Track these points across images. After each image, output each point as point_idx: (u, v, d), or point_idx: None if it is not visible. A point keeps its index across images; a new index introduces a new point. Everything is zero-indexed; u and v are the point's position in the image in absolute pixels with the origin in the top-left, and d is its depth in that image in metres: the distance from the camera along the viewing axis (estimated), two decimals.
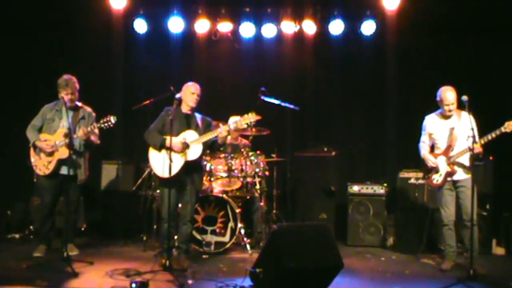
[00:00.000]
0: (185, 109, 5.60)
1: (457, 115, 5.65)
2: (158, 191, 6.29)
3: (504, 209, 6.70)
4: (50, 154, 5.80)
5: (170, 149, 5.30)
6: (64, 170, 5.76)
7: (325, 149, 7.28)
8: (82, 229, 7.18)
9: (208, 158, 6.54)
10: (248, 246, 6.23)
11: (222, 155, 6.56)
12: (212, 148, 5.72)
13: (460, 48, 7.49)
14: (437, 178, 5.70)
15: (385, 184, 7.04)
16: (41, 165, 5.85)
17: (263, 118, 6.79)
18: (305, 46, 7.94)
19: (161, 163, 5.38)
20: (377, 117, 7.92)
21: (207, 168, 6.51)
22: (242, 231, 6.29)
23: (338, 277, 4.62)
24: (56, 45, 7.81)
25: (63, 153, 5.71)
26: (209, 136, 5.42)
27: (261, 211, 6.61)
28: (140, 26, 7.87)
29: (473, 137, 5.24)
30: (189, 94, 5.55)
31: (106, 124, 5.61)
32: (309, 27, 7.80)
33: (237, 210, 6.23)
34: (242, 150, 6.69)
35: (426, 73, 7.58)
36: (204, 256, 6.02)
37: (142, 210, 6.74)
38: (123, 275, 5.06)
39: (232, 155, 6.54)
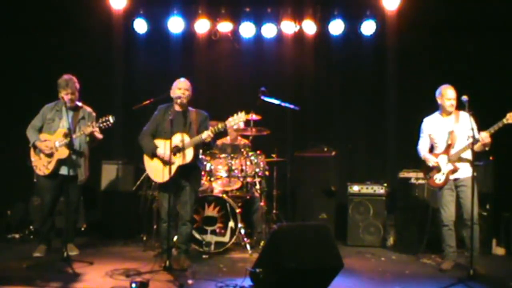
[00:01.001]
0: (178, 107, 5.51)
1: (456, 115, 5.68)
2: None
3: (504, 209, 6.70)
4: (50, 154, 5.80)
5: (160, 157, 5.30)
6: (64, 170, 5.76)
7: (325, 149, 7.29)
8: (82, 229, 7.18)
9: (208, 158, 6.55)
10: (248, 246, 6.23)
11: (222, 155, 6.56)
12: (204, 149, 5.69)
13: (460, 48, 7.49)
14: (439, 178, 5.69)
15: (385, 184, 7.04)
16: (41, 165, 5.85)
17: (263, 118, 6.84)
18: (305, 46, 7.94)
19: (156, 169, 5.39)
20: (377, 117, 7.92)
21: (207, 168, 6.51)
22: (242, 231, 6.28)
23: (338, 277, 4.61)
24: (56, 45, 7.80)
25: (63, 153, 5.71)
26: (197, 140, 5.34)
27: (261, 211, 6.61)
28: (140, 26, 7.88)
29: (473, 137, 5.25)
30: (176, 90, 5.49)
31: (104, 124, 5.60)
32: (309, 27, 7.80)
33: (237, 210, 6.23)
34: (242, 150, 6.69)
35: (426, 73, 7.58)
36: (204, 256, 6.02)
37: (142, 210, 6.75)
38: (123, 275, 5.06)
39: (232, 155, 6.54)
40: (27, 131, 5.92)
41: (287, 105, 6.78)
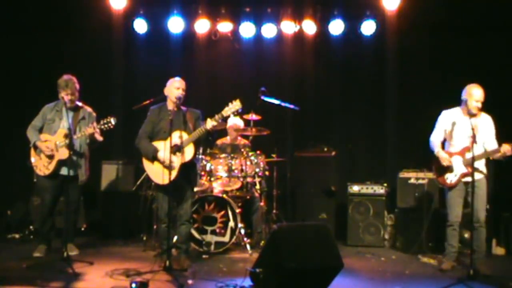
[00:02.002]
0: (171, 106, 5.47)
1: (477, 117, 5.50)
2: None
3: (504, 209, 6.71)
4: (50, 155, 5.79)
5: (170, 152, 5.25)
6: (64, 171, 5.76)
7: (325, 149, 7.29)
8: (82, 229, 7.18)
9: (208, 158, 6.54)
10: (248, 246, 6.23)
11: (222, 155, 6.56)
12: (204, 143, 5.67)
13: (460, 48, 7.49)
14: (451, 178, 5.60)
15: (385, 184, 7.05)
16: (41, 165, 5.85)
17: (263, 118, 6.84)
18: (305, 46, 7.94)
19: (156, 171, 5.35)
20: (377, 117, 7.91)
21: (207, 168, 6.51)
22: (242, 231, 6.28)
23: (338, 277, 4.61)
24: (56, 45, 7.80)
25: (63, 153, 5.70)
26: (196, 136, 5.33)
27: (261, 211, 6.61)
28: (140, 26, 7.87)
29: (473, 137, 5.23)
30: (174, 89, 5.43)
31: (106, 125, 5.60)
32: (309, 27, 7.80)
33: (237, 210, 6.23)
34: (242, 150, 6.69)
35: (426, 73, 7.58)
36: (204, 256, 6.02)
37: (142, 210, 6.75)
38: (123, 275, 5.06)
39: (232, 155, 6.54)
40: (27, 131, 5.91)
41: (287, 105, 6.78)
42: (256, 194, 6.58)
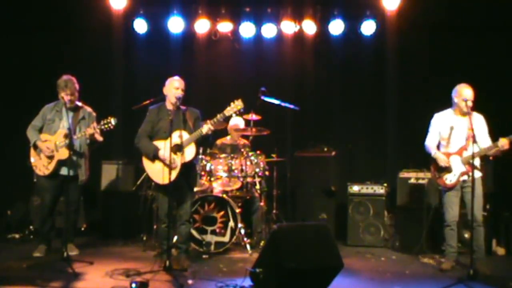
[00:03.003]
0: (170, 105, 5.45)
1: (469, 116, 5.47)
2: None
3: (504, 209, 6.70)
4: (50, 155, 5.79)
5: (161, 159, 5.28)
6: (64, 171, 5.76)
7: (325, 149, 7.29)
8: (82, 229, 7.18)
9: (208, 158, 6.55)
10: (248, 246, 6.23)
11: (222, 155, 6.56)
12: (204, 144, 5.68)
13: (460, 48, 7.49)
14: (450, 179, 5.60)
15: (385, 184, 7.04)
16: (41, 165, 5.85)
17: (263, 118, 6.83)
18: (305, 46, 7.94)
19: (158, 171, 5.34)
20: (377, 117, 7.91)
21: (207, 168, 6.51)
22: (242, 231, 6.28)
23: (338, 277, 4.61)
24: (56, 45, 7.80)
25: (63, 153, 5.71)
26: (197, 135, 5.33)
27: (261, 211, 6.61)
28: (140, 26, 7.87)
29: (473, 137, 5.23)
30: (173, 89, 5.41)
31: (106, 126, 5.60)
32: (309, 27, 7.80)
33: (237, 210, 6.23)
34: (242, 150, 6.70)
35: (426, 73, 7.58)
36: (204, 256, 6.02)
37: (142, 210, 6.75)
38: (123, 275, 5.06)
39: (232, 155, 6.54)
40: (27, 131, 5.92)
41: (287, 105, 6.79)
42: (256, 194, 6.58)
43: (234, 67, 8.15)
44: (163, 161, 5.31)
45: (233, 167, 6.45)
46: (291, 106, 6.79)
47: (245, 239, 6.29)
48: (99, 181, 7.30)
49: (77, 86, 5.91)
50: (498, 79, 7.32)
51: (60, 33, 7.78)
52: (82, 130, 5.79)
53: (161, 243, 5.68)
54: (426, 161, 5.97)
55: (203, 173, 6.52)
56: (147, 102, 6.37)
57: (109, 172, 7.32)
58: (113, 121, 5.59)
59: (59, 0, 7.53)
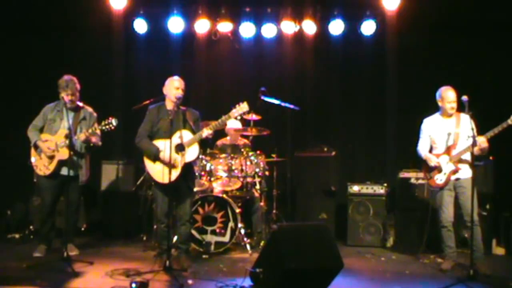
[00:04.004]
0: (170, 105, 5.45)
1: (456, 117, 5.67)
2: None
3: (504, 209, 6.70)
4: (51, 155, 5.79)
5: (162, 161, 5.27)
6: (64, 171, 5.76)
7: (325, 149, 7.28)
8: (82, 229, 7.18)
9: (208, 158, 6.55)
10: (248, 246, 6.23)
11: (222, 155, 6.56)
12: (203, 145, 5.69)
13: (460, 48, 7.49)
14: (440, 178, 5.66)
15: (385, 184, 7.04)
16: (42, 165, 5.85)
17: (263, 118, 6.83)
18: (305, 46, 7.94)
19: (159, 170, 5.33)
20: (377, 117, 7.91)
21: (207, 168, 6.51)
22: (242, 231, 6.29)
23: (338, 277, 4.62)
24: (56, 45, 7.80)
25: (64, 154, 5.71)
26: (197, 138, 5.35)
27: (261, 211, 6.61)
28: (140, 26, 7.87)
29: (473, 137, 5.24)
30: (173, 89, 5.42)
31: (107, 126, 5.61)
32: (309, 27, 7.80)
33: (237, 210, 6.23)
34: (242, 150, 6.70)
35: (426, 73, 7.57)
36: (204, 256, 6.02)
37: (142, 210, 6.76)
38: (123, 275, 5.06)
39: (232, 155, 6.55)
40: (28, 131, 5.92)
41: (287, 105, 6.79)
42: (256, 194, 6.58)
43: (234, 67, 8.15)
44: (167, 160, 5.29)
45: (233, 167, 6.45)
46: (291, 106, 6.79)
47: (245, 239, 6.29)
48: (99, 181, 7.31)
49: (78, 86, 5.91)
50: (498, 79, 7.32)
51: (60, 33, 7.78)
52: (78, 134, 5.78)
53: (161, 243, 5.68)
54: (426, 161, 5.97)
55: (203, 173, 6.52)
56: (147, 102, 6.37)
57: (109, 172, 7.32)
58: (114, 121, 5.59)
59: (59, 0, 7.53)
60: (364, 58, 7.87)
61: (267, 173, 6.73)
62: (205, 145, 5.88)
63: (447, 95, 5.63)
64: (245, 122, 6.97)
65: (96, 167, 7.05)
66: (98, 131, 5.77)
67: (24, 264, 5.40)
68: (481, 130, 5.46)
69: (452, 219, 5.68)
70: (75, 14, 7.58)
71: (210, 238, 6.15)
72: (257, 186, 6.56)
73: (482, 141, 5.34)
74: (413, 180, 6.88)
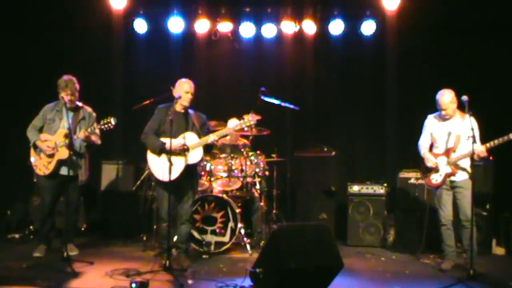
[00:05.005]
0: (179, 107, 5.49)
1: (461, 117, 5.61)
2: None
3: (504, 209, 6.70)
4: (51, 155, 5.80)
5: (170, 153, 5.24)
6: (64, 171, 5.76)
7: (325, 149, 7.29)
8: (82, 229, 7.18)
9: (208, 158, 6.55)
10: (248, 246, 6.23)
11: (222, 155, 6.57)
12: (206, 150, 5.71)
13: (460, 48, 7.49)
14: (436, 178, 5.69)
15: (385, 184, 7.04)
16: (41, 165, 5.85)
17: (263, 118, 6.82)
18: (305, 46, 7.94)
19: (161, 167, 5.33)
20: (377, 117, 7.91)
21: (207, 168, 6.51)
22: (242, 231, 6.28)
23: (338, 277, 4.61)
24: (56, 45, 7.80)
25: (63, 153, 5.71)
26: (203, 143, 5.38)
27: (261, 211, 6.61)
28: (140, 26, 7.87)
29: (473, 137, 5.23)
30: (183, 93, 5.44)
31: (106, 126, 5.60)
32: (309, 27, 7.79)
33: (237, 210, 6.23)
34: (242, 150, 6.69)
35: (426, 73, 7.57)
36: (204, 256, 6.02)
37: (142, 210, 6.76)
38: (123, 275, 5.06)
39: (232, 155, 6.55)
40: (27, 131, 5.92)
41: (287, 105, 6.78)
42: (256, 194, 6.58)
43: (234, 67, 8.14)
44: (168, 158, 5.28)
45: (233, 167, 6.45)
46: (291, 106, 6.79)
47: (245, 239, 6.29)
48: (99, 181, 7.31)
49: (77, 86, 5.91)
50: (498, 79, 7.32)
51: (60, 33, 7.78)
52: (77, 133, 5.79)
53: (161, 242, 5.68)
54: (421, 161, 5.98)
55: (203, 173, 6.52)
56: (147, 102, 6.37)
57: (109, 172, 7.32)
58: (112, 121, 5.59)
59: (59, 0, 7.53)
60: (364, 58, 7.87)
61: (267, 173, 6.74)
62: (210, 150, 5.88)
63: (440, 101, 5.59)
64: None
65: (96, 167, 7.05)
66: (97, 130, 5.77)
67: (24, 264, 5.41)
68: (481, 130, 5.45)
69: (452, 218, 5.68)
70: (75, 14, 7.58)
71: (210, 238, 6.15)
72: (257, 186, 6.56)
73: (481, 151, 5.32)
74: (413, 180, 6.88)
